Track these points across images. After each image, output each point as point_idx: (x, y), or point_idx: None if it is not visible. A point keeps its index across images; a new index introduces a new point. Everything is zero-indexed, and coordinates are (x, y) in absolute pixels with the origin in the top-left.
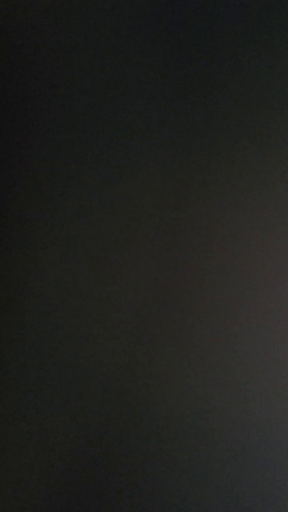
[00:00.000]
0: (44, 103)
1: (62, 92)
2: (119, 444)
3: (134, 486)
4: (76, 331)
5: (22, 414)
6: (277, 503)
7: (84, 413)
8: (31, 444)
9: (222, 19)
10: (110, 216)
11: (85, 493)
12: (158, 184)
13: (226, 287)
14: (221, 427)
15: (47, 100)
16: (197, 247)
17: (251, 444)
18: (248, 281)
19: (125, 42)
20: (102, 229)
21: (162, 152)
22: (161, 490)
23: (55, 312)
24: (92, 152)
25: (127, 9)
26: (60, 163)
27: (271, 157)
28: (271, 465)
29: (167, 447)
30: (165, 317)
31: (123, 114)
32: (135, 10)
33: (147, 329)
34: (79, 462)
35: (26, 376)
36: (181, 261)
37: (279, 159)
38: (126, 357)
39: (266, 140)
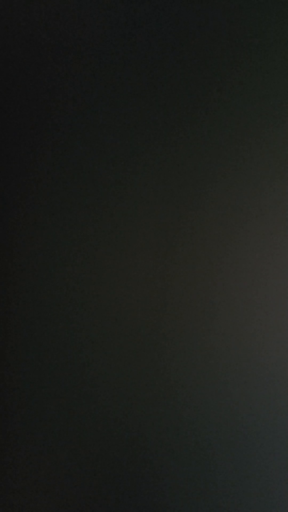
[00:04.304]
0: (48, 106)
1: (64, 93)
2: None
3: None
4: (77, 331)
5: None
6: None
7: (87, 411)
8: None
9: (221, 27)
10: (112, 216)
11: None
12: (158, 184)
13: (226, 285)
14: (222, 427)
15: (51, 102)
16: (197, 246)
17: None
18: (249, 283)
19: (124, 43)
20: (103, 230)
21: (163, 153)
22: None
23: (56, 311)
24: (95, 154)
25: (125, 11)
26: (63, 164)
27: (270, 158)
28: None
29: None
30: (166, 318)
31: (123, 117)
32: (134, 13)
33: (148, 329)
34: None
35: (25, 375)
36: (181, 260)
37: (278, 159)
38: (127, 357)
39: (265, 145)
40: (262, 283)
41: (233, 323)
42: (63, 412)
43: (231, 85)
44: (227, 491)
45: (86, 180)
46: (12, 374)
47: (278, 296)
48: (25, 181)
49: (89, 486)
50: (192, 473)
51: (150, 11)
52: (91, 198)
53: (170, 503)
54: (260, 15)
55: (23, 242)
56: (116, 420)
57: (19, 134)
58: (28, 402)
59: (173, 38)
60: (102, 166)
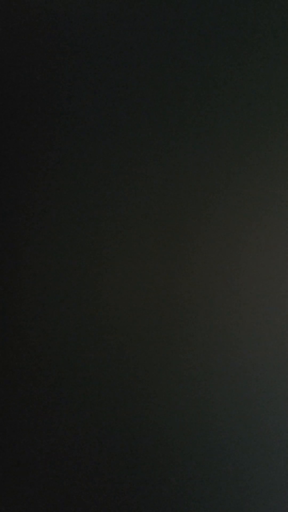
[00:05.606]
0: (49, 109)
1: (64, 91)
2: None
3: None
4: (76, 332)
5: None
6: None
7: (88, 415)
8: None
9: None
10: (111, 217)
11: None
12: (161, 190)
13: (225, 287)
14: (222, 425)
15: (51, 101)
16: (197, 248)
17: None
18: (248, 285)
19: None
20: (103, 231)
21: (163, 152)
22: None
23: (55, 312)
24: (94, 154)
25: (126, 9)
26: (64, 167)
27: (270, 158)
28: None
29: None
30: (165, 320)
31: (123, 115)
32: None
33: (147, 329)
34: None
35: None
36: (181, 261)
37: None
38: (126, 357)
39: (265, 142)
40: (264, 288)
41: (234, 324)
42: (64, 407)
43: (233, 90)
44: (229, 488)
45: (88, 183)
46: (13, 374)
47: (280, 300)
48: (26, 185)
49: (88, 483)
50: (194, 470)
51: (149, 11)
52: (92, 201)
53: (170, 499)
54: (260, 14)
55: (24, 244)
56: (116, 417)
57: (19, 137)
58: (28, 402)
59: (173, 38)
60: (103, 170)
